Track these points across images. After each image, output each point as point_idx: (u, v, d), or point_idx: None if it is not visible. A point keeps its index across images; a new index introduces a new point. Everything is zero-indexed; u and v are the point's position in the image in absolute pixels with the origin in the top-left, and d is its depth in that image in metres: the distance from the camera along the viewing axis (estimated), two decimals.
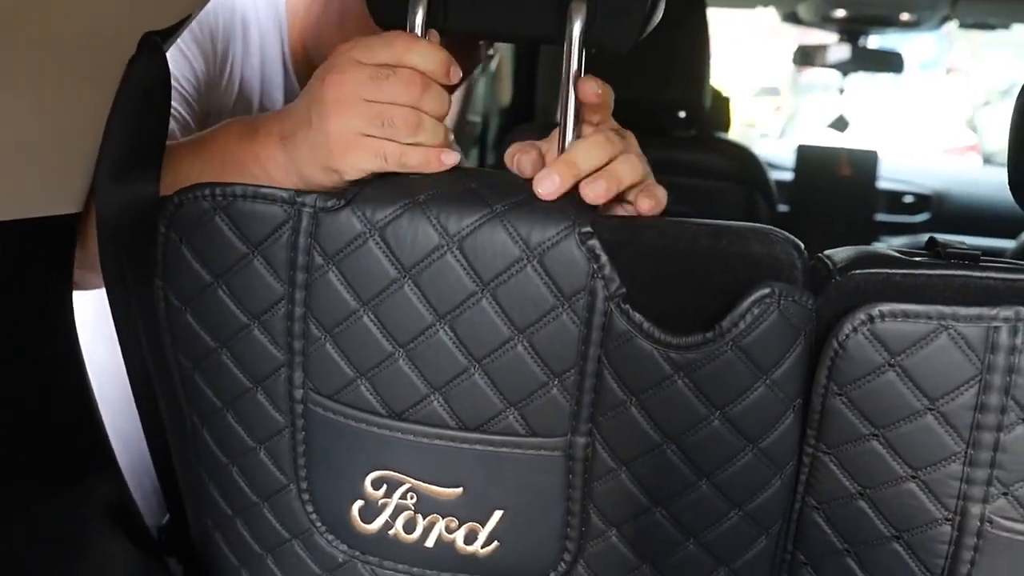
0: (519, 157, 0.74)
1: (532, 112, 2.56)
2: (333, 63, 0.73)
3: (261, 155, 0.77)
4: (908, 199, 3.18)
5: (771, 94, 7.67)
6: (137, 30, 0.75)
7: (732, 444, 0.72)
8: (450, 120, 0.79)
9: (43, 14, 0.65)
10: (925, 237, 0.75)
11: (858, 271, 0.71)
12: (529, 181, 0.71)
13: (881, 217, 3.14)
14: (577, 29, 0.71)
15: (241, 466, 0.82)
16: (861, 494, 0.74)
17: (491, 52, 2.09)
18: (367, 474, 0.77)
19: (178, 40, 0.90)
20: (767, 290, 0.67)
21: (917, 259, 0.72)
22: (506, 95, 2.75)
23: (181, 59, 0.94)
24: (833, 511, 0.76)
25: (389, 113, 0.71)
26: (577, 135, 0.73)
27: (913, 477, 0.71)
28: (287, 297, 0.74)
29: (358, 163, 0.72)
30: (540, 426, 0.74)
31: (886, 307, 0.67)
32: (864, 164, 3.14)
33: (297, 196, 0.72)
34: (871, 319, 0.68)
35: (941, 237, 0.75)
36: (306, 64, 1.07)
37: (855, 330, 0.68)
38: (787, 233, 0.72)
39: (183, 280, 0.76)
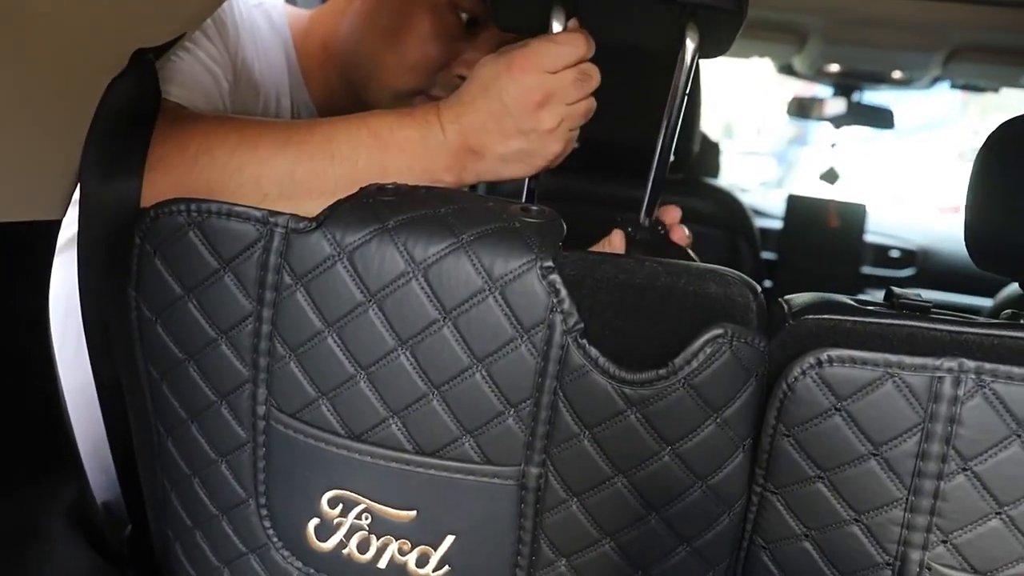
0: None
1: None
2: (528, 83, 0.80)
3: (454, 167, 0.83)
4: (894, 254, 3.20)
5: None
6: (129, 46, 0.77)
7: (681, 480, 0.73)
8: None
9: (34, 25, 0.67)
10: (909, 292, 0.77)
11: (811, 316, 0.72)
12: (500, 207, 0.74)
13: (867, 270, 3.15)
14: (691, 47, 0.80)
15: (203, 478, 0.82)
16: (807, 535, 0.75)
17: None
18: (324, 493, 0.78)
19: (206, 34, 0.94)
20: (720, 331, 0.69)
21: (871, 308, 0.74)
22: None
23: (215, 52, 0.97)
24: (779, 551, 0.77)
25: (587, 107, 0.83)
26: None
27: (856, 520, 0.72)
28: (255, 314, 0.75)
29: (561, 153, 0.84)
30: (495, 455, 0.75)
31: (835, 352, 0.69)
32: (852, 217, 3.16)
33: (270, 216, 0.74)
34: (820, 363, 0.69)
35: (919, 292, 0.76)
36: (325, 72, 1.11)
37: (804, 373, 0.69)
38: (744, 275, 0.74)
39: (155, 292, 0.77)
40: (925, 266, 3.11)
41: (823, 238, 3.12)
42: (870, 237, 3.20)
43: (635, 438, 0.72)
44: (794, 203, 3.20)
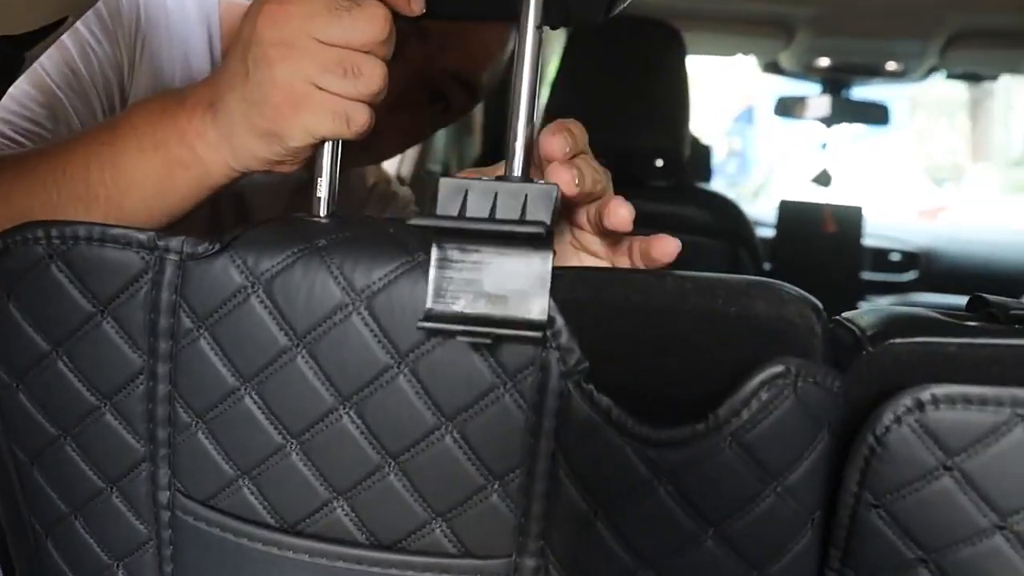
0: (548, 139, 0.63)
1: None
2: (277, 30, 0.59)
3: (188, 131, 0.65)
4: (895, 257, 3.13)
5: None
6: None
7: (730, 571, 0.56)
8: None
9: None
10: (915, 297, 0.60)
11: (897, 340, 0.55)
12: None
13: (867, 276, 3.08)
14: (532, 13, 0.57)
15: None
16: None
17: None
18: None
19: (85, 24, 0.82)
20: (779, 368, 0.51)
21: (970, 323, 0.56)
22: (475, 146, 2.69)
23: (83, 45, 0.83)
24: None
25: (354, 60, 0.59)
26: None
27: None
28: (147, 371, 0.60)
29: (310, 126, 0.60)
30: (476, 544, 0.59)
31: (940, 389, 0.51)
32: (849, 220, 3.09)
33: (159, 239, 0.58)
34: (920, 406, 0.51)
35: (932, 298, 0.60)
36: None
37: (898, 420, 0.52)
38: (801, 290, 0.56)
39: (13, 348, 0.62)
40: (929, 269, 3.02)
41: (819, 245, 3.04)
42: (868, 241, 3.11)
43: (665, 517, 0.55)
44: (786, 209, 3.11)
